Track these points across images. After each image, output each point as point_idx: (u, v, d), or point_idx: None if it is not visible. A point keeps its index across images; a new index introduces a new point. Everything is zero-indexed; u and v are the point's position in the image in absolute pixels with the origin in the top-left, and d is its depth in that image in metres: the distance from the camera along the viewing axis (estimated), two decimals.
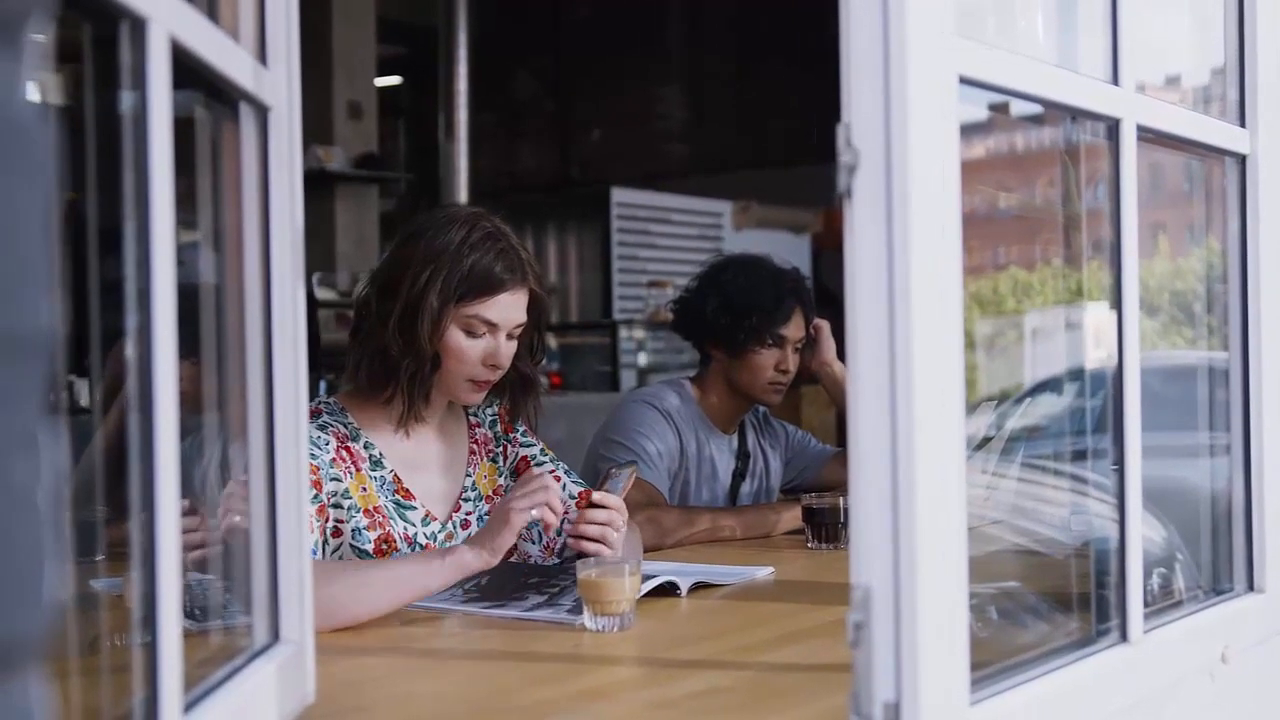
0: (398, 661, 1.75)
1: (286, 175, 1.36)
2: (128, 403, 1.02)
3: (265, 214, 1.35)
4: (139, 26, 0.99)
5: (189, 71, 1.11)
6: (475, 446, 2.34)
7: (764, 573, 2.31)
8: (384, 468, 2.18)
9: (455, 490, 2.28)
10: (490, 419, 2.38)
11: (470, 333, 2.15)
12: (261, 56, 1.34)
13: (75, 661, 1.18)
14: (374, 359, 2.16)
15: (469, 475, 2.30)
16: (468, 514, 2.27)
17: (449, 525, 2.24)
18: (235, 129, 1.33)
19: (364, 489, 2.14)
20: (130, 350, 1.01)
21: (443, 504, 2.24)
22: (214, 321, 1.35)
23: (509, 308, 2.17)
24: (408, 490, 2.19)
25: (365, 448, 2.18)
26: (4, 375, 0.53)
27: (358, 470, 2.15)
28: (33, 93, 0.58)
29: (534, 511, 1.94)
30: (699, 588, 2.14)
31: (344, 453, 2.13)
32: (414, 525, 2.18)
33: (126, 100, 1.01)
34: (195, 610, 1.34)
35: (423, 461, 2.25)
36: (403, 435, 2.22)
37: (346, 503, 2.11)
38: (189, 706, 1.09)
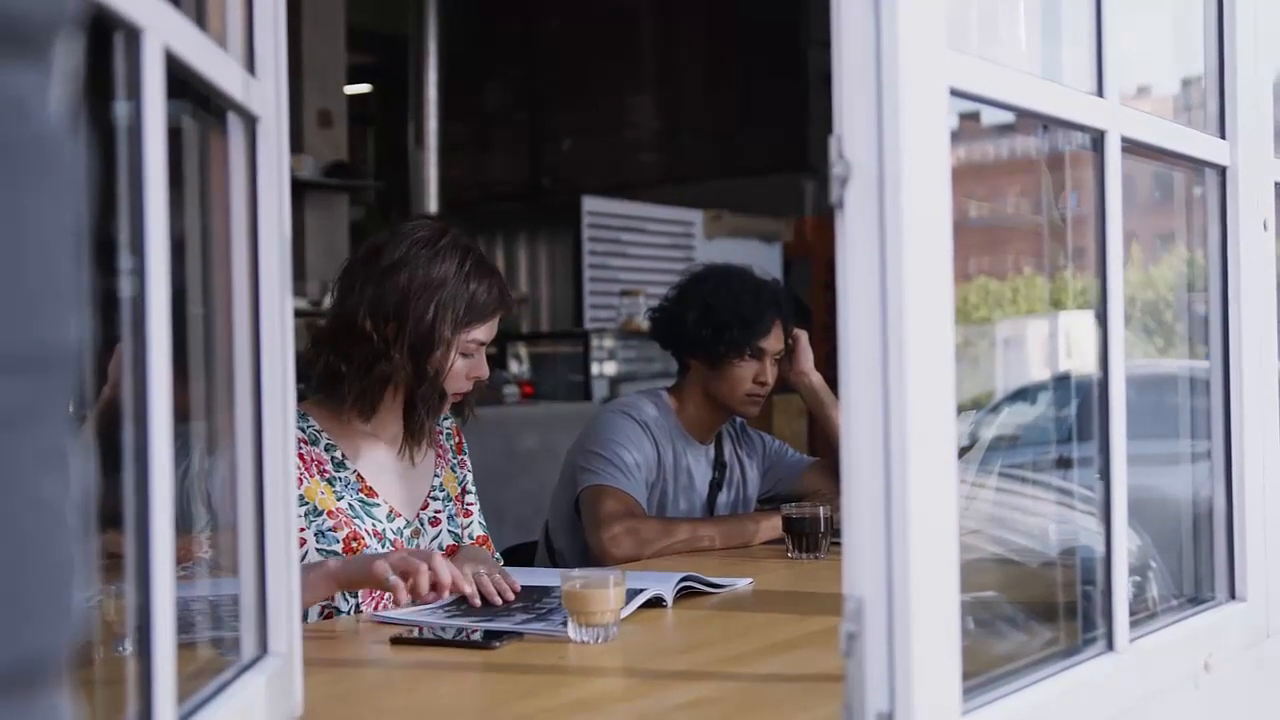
0: (385, 675, 1.74)
1: (275, 185, 1.35)
2: (106, 411, 1.01)
3: (253, 224, 1.34)
4: (134, 36, 0.98)
5: (178, 81, 1.10)
6: (440, 450, 2.42)
7: (744, 583, 2.31)
8: (347, 469, 2.24)
9: (423, 489, 2.36)
10: (446, 432, 2.46)
11: (465, 354, 2.26)
12: (250, 66, 1.33)
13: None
14: (378, 386, 2.22)
15: (437, 476, 2.39)
16: (436, 512, 2.36)
17: (416, 522, 2.32)
18: (223, 139, 1.32)
19: (323, 493, 2.19)
20: (124, 361, 1.00)
21: (409, 503, 2.32)
22: (201, 332, 1.34)
23: (495, 327, 2.31)
24: (371, 489, 2.26)
25: (326, 450, 2.24)
26: (35, 389, 0.52)
27: (313, 476, 2.20)
28: (62, 105, 0.58)
29: (392, 578, 1.90)
30: (685, 594, 2.14)
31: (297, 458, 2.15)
32: (380, 521, 2.24)
33: (120, 110, 1.00)
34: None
35: (389, 464, 2.31)
36: (370, 439, 2.28)
37: (303, 508, 2.15)
38: None
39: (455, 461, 2.45)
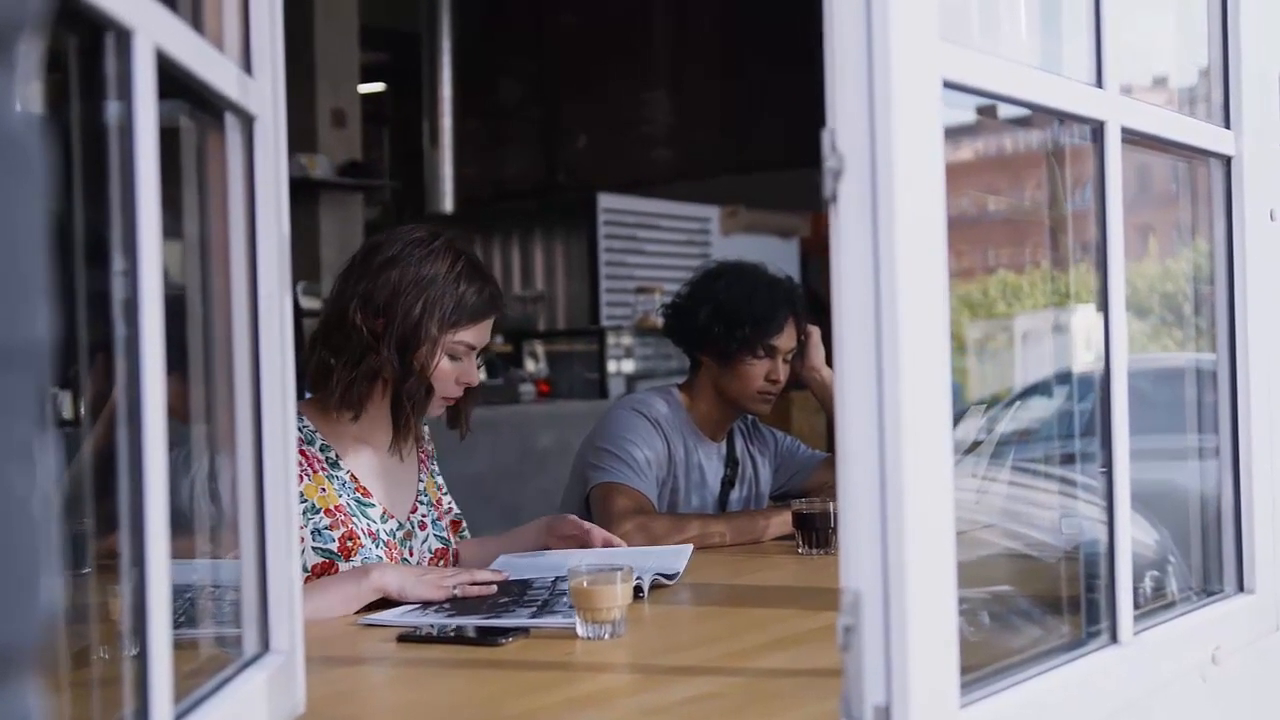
0: (388, 672, 1.74)
1: (273, 185, 1.36)
2: (114, 415, 1.02)
3: (251, 224, 1.35)
4: (124, 37, 0.99)
5: (173, 81, 1.10)
6: (423, 456, 2.47)
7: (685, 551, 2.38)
8: (342, 469, 2.27)
9: (411, 494, 2.40)
10: (425, 436, 2.51)
11: (453, 356, 2.28)
12: (246, 66, 1.33)
13: (65, 673, 1.18)
14: (365, 381, 2.24)
15: (420, 481, 2.43)
16: (423, 516, 2.40)
17: (407, 524, 2.35)
18: (220, 139, 1.33)
19: (323, 490, 2.23)
20: (118, 362, 1.00)
21: (399, 506, 2.35)
22: (200, 333, 1.34)
23: (487, 332, 2.33)
24: (365, 489, 2.29)
25: (322, 450, 2.27)
26: (2, 385, 0.53)
27: (315, 473, 2.23)
28: (26, 104, 0.58)
29: (456, 591, 2.09)
30: (657, 588, 2.18)
31: (299, 457, 2.18)
32: (375, 522, 2.27)
33: (112, 110, 1.01)
34: (180, 619, 1.33)
35: (378, 466, 2.34)
36: (362, 442, 2.31)
37: (302, 505, 2.18)
38: (179, 717, 1.08)
39: (433, 469, 2.49)
